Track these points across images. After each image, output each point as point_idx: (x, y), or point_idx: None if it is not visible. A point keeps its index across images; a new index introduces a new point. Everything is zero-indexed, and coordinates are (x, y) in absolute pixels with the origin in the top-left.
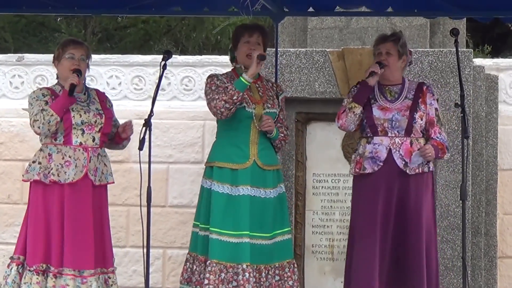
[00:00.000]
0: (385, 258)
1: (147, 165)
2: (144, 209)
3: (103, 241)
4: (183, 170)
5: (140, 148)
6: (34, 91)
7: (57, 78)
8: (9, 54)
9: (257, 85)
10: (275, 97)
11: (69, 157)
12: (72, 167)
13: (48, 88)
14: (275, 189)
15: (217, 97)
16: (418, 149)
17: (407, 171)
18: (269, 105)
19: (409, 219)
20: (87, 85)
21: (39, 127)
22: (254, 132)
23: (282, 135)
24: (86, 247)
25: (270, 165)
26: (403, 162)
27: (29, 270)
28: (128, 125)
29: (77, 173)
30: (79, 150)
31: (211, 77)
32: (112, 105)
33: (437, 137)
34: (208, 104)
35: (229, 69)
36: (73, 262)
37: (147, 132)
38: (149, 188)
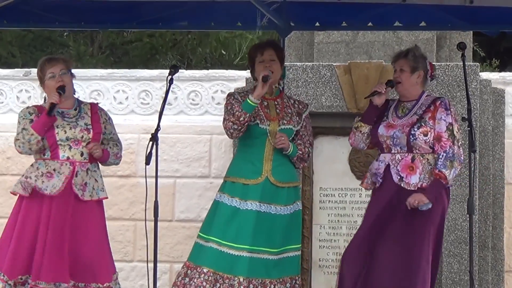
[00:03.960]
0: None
1: (154, 180)
2: (151, 224)
3: (95, 255)
4: (190, 184)
5: (147, 162)
6: (22, 110)
7: (44, 99)
8: (16, 69)
9: (276, 103)
10: (295, 114)
11: (54, 170)
12: (55, 178)
13: (36, 106)
14: (290, 206)
15: (227, 117)
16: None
17: (402, 185)
18: (285, 122)
19: (404, 233)
20: (79, 98)
21: (19, 146)
22: (269, 148)
23: (300, 152)
24: (60, 261)
25: (285, 182)
26: (398, 177)
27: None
28: (90, 148)
29: (58, 184)
30: (66, 164)
31: (228, 95)
32: (109, 119)
33: (438, 162)
34: (222, 123)
35: (236, 83)
36: (48, 275)
37: (154, 146)
38: (156, 202)
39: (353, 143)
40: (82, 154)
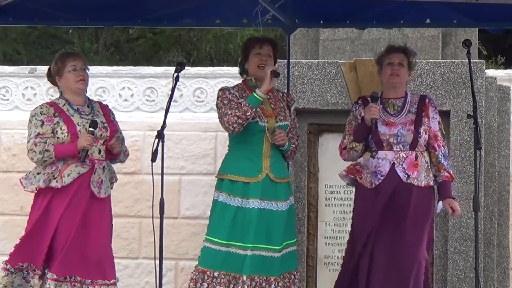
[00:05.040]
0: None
1: (159, 177)
2: (157, 221)
3: (104, 252)
4: (195, 181)
5: (153, 159)
6: (35, 109)
7: (60, 93)
8: (21, 66)
9: (269, 97)
10: (286, 108)
11: (75, 171)
12: (72, 167)
13: (51, 104)
14: (287, 201)
15: (229, 112)
16: (441, 200)
17: (409, 181)
18: (281, 118)
19: (407, 231)
20: (89, 97)
21: (32, 158)
22: (267, 145)
23: (294, 146)
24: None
25: (282, 178)
26: (406, 176)
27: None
28: (112, 143)
29: (73, 175)
30: (86, 161)
31: (222, 90)
32: (115, 118)
33: (442, 160)
34: (220, 118)
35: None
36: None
37: (160, 143)
38: (161, 199)
39: (347, 159)
40: (99, 152)
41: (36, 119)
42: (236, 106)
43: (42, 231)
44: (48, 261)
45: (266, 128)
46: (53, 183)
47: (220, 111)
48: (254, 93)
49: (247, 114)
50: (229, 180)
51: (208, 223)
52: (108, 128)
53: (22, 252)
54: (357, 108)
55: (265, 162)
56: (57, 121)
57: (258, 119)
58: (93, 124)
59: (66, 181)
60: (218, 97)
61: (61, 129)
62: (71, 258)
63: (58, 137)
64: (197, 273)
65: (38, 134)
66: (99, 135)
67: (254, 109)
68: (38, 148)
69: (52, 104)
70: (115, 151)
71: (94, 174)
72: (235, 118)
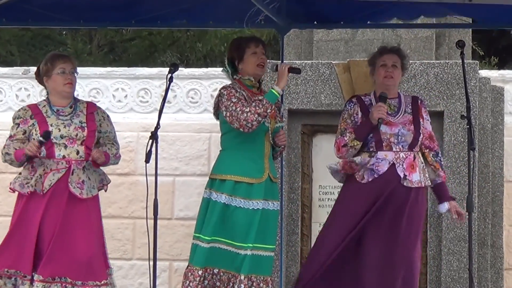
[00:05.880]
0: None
1: (153, 178)
2: (151, 222)
3: (94, 253)
4: (189, 182)
5: (147, 160)
6: (16, 111)
7: (47, 94)
8: (15, 67)
9: None
10: (277, 109)
11: (50, 169)
12: (50, 176)
13: (29, 106)
14: (278, 201)
15: (247, 109)
16: (444, 202)
17: (405, 184)
18: (279, 119)
19: (401, 230)
20: (76, 97)
21: (3, 160)
22: (267, 145)
23: (283, 146)
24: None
25: (277, 178)
26: (404, 176)
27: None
28: (93, 157)
29: (53, 181)
30: (62, 163)
31: (227, 88)
32: (107, 117)
33: (438, 159)
34: (231, 116)
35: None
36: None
37: (154, 144)
38: (155, 200)
39: (344, 157)
40: (78, 153)
41: (14, 122)
42: (253, 104)
43: (24, 235)
44: (36, 266)
45: (269, 128)
46: (31, 189)
47: (230, 109)
48: (272, 89)
49: (268, 111)
50: (233, 181)
51: (203, 223)
52: (86, 127)
53: (5, 257)
54: (352, 106)
55: (266, 162)
56: (33, 123)
57: (265, 119)
58: (45, 135)
59: (47, 188)
60: (222, 95)
61: (35, 130)
62: (57, 259)
63: (33, 138)
64: (200, 272)
65: (10, 136)
66: (75, 135)
67: (273, 106)
68: (4, 150)
69: (31, 106)
70: (98, 162)
71: (72, 174)
72: (256, 115)
